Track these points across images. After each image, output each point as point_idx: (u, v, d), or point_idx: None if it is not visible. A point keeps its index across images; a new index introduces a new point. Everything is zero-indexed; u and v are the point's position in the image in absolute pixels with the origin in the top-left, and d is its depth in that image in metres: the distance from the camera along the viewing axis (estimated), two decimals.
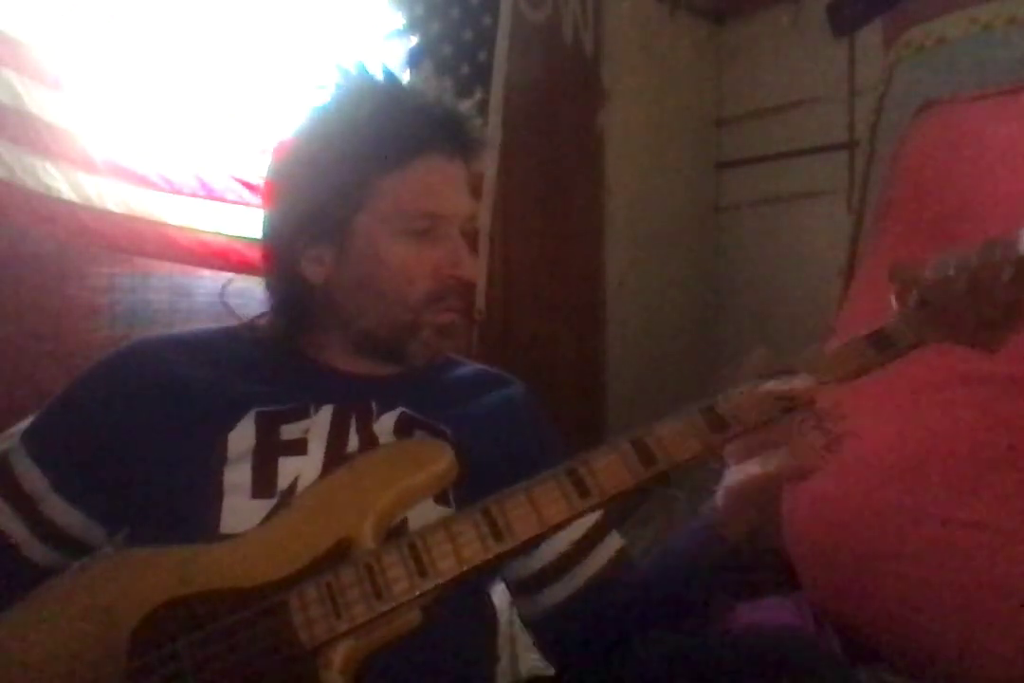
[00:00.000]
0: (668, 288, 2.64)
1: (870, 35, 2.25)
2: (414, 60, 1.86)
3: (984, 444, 1.31)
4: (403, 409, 0.83)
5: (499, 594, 0.94)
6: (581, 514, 0.68)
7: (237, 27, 1.56)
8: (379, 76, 0.85)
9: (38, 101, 1.34)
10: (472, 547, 0.65)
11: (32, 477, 0.81)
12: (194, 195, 1.51)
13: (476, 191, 0.86)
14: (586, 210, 2.40)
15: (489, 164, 2.01)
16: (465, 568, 0.65)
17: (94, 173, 1.40)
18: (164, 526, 0.76)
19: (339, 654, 0.63)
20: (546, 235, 2.30)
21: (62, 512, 0.80)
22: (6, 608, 0.70)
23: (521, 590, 0.87)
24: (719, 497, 0.75)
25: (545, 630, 0.88)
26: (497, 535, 0.66)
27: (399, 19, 1.84)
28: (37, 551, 0.81)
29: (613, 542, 0.87)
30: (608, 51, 2.41)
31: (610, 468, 0.68)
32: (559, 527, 0.68)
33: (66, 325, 1.46)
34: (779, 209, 2.63)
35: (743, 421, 0.70)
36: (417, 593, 0.64)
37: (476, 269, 0.84)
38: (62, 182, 1.36)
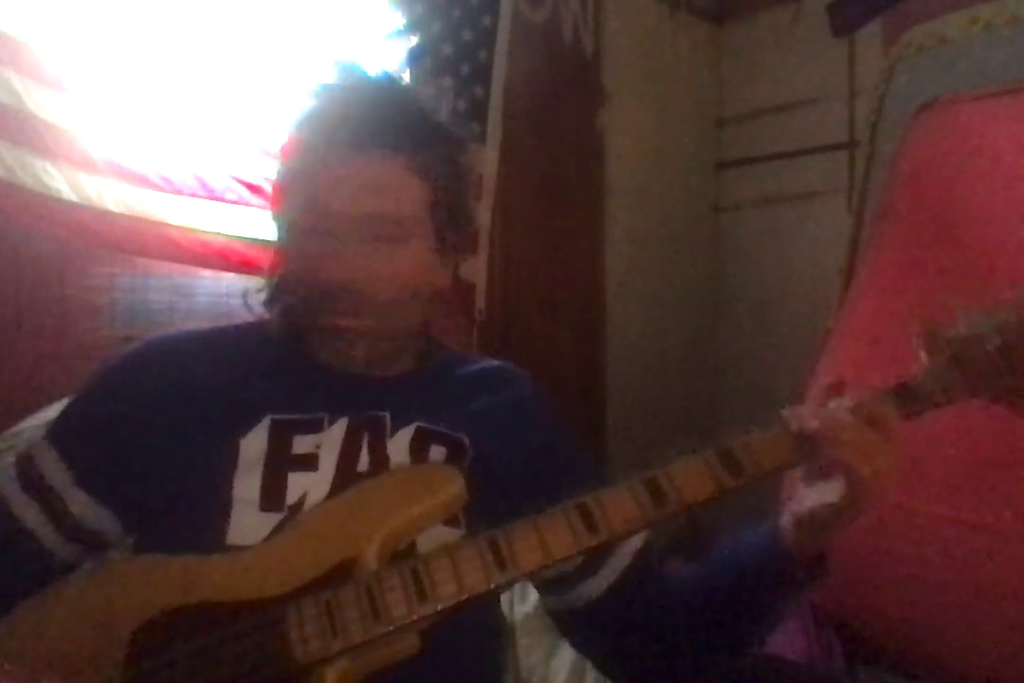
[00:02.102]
0: (668, 288, 2.63)
1: (870, 35, 2.25)
2: (414, 60, 1.86)
3: (985, 444, 1.31)
4: (418, 424, 0.82)
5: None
6: (587, 550, 0.67)
7: (237, 27, 1.56)
8: (349, 75, 0.84)
9: (38, 101, 1.34)
10: (475, 575, 0.65)
11: (55, 470, 0.81)
12: (194, 195, 1.51)
13: (397, 190, 0.80)
14: (586, 210, 2.40)
15: (489, 164, 2.01)
16: (466, 596, 0.64)
17: (94, 173, 1.40)
18: (173, 530, 0.76)
19: (332, 674, 0.63)
20: (546, 235, 2.29)
21: (83, 506, 0.81)
22: (26, 600, 0.70)
23: (549, 590, 0.86)
24: (787, 524, 0.72)
25: (584, 628, 0.87)
26: (500, 564, 0.65)
27: (399, 19, 1.84)
28: (58, 544, 0.81)
29: (636, 537, 0.85)
30: (608, 51, 2.41)
31: (620, 505, 0.67)
32: (563, 561, 0.67)
33: (66, 325, 1.46)
34: (779, 209, 2.63)
35: (759, 465, 0.68)
36: (415, 617, 0.63)
37: (373, 269, 0.79)
38: (62, 182, 1.36)
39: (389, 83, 0.86)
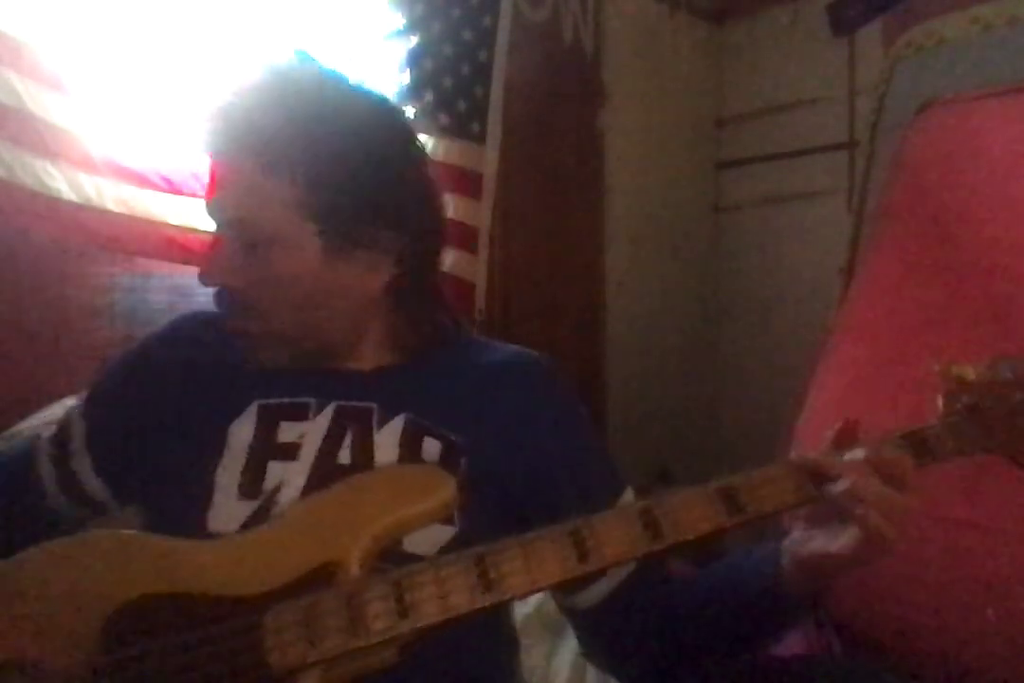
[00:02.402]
0: (668, 288, 2.64)
1: (870, 35, 2.25)
2: (414, 60, 1.87)
3: None
4: (407, 415, 0.80)
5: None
6: (575, 579, 0.65)
7: (237, 27, 1.57)
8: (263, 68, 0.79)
9: (38, 101, 1.35)
10: (459, 595, 0.63)
11: (76, 431, 0.85)
12: (194, 195, 1.51)
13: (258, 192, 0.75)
14: (586, 210, 2.40)
15: (489, 164, 2.01)
16: (448, 616, 0.62)
17: (94, 173, 1.40)
18: (158, 512, 0.78)
19: None
20: (546, 235, 2.30)
21: (85, 469, 0.84)
22: (11, 557, 0.70)
23: (555, 589, 0.85)
24: (789, 567, 0.71)
25: (589, 627, 0.88)
26: (486, 587, 0.63)
27: (399, 19, 1.84)
28: (61, 503, 0.85)
29: None
30: (608, 51, 2.41)
31: (614, 536, 0.66)
32: (551, 588, 0.66)
33: (66, 325, 1.46)
34: (779, 209, 2.63)
35: (761, 507, 0.67)
36: (394, 633, 0.62)
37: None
38: (62, 182, 1.37)
39: (286, 78, 0.78)
